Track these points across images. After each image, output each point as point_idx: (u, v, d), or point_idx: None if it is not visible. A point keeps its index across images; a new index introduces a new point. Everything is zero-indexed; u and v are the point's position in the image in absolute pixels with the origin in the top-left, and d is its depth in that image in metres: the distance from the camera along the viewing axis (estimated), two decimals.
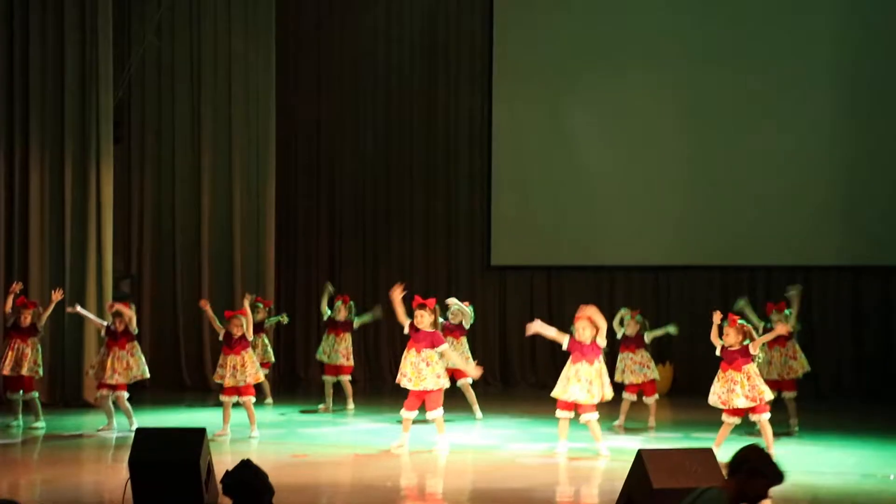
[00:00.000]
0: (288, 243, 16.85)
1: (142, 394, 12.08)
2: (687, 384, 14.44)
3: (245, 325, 10.95)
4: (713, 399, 9.63)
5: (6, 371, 11.45)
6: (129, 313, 11.44)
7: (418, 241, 16.61)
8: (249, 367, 10.94)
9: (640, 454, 6.72)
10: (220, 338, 11.05)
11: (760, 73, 15.04)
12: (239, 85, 15.60)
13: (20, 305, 11.61)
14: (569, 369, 9.76)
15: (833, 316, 14.93)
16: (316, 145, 17.02)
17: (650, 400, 11.64)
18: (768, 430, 9.54)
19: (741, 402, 9.46)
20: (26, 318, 11.53)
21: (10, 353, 11.46)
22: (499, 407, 13.27)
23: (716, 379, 9.68)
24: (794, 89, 14.92)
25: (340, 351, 12.83)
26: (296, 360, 16.49)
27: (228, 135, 15.58)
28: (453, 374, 11.57)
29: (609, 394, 9.77)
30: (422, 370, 10.00)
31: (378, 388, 15.03)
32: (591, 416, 9.76)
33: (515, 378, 16.05)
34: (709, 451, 7.01)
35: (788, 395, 11.27)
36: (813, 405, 12.63)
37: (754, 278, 15.22)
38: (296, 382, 16.14)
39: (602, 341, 9.75)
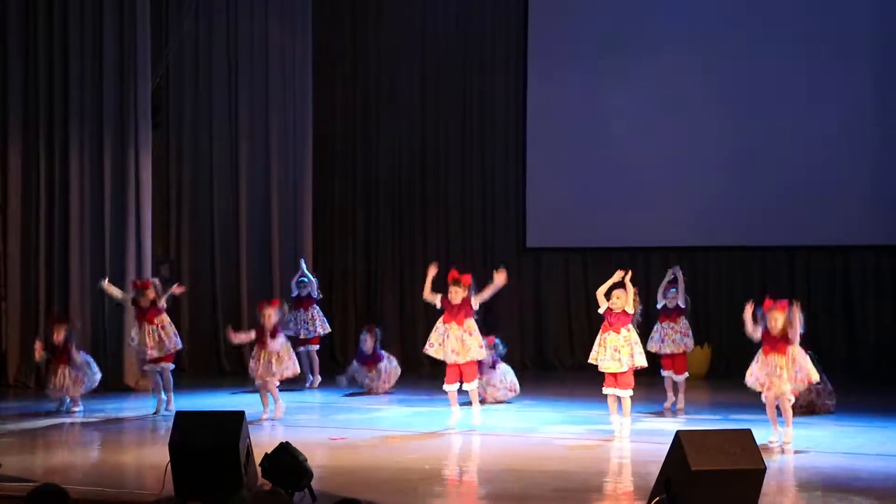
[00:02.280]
0: (324, 228, 16.87)
1: (181, 378, 12.14)
2: (725, 366, 14.39)
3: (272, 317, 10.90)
4: (751, 381, 9.53)
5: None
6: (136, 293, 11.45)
7: (455, 223, 16.60)
8: (286, 358, 10.94)
9: (679, 436, 6.61)
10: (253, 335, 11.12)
11: (798, 52, 14.91)
12: (276, 69, 15.62)
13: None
14: (599, 337, 9.84)
15: (873, 296, 14.80)
16: (352, 129, 17.04)
17: (680, 378, 11.51)
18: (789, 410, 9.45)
19: (787, 388, 9.34)
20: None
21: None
22: (535, 389, 13.25)
23: (755, 361, 9.57)
24: (832, 67, 14.79)
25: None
26: (334, 345, 16.53)
27: (265, 120, 15.62)
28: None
29: (641, 361, 9.72)
30: (465, 341, 10.12)
31: (415, 371, 15.04)
32: (625, 394, 9.71)
33: (552, 360, 16.03)
34: (747, 433, 6.83)
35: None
36: (853, 386, 12.54)
37: (792, 258, 15.11)
38: (335, 367, 16.17)
39: (631, 309, 9.72)
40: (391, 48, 16.85)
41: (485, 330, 11.06)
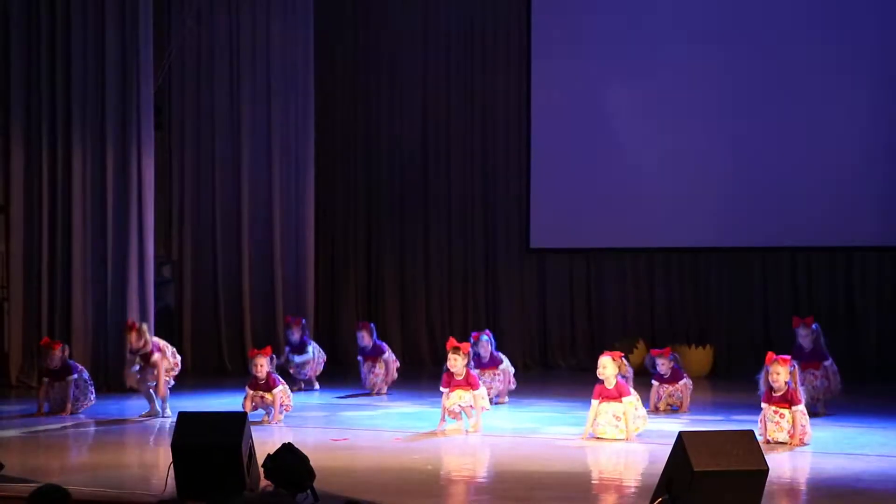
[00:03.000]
0: (326, 228, 16.87)
1: (183, 379, 12.14)
2: (726, 367, 14.42)
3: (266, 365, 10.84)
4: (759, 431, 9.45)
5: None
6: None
7: (457, 224, 16.58)
8: (285, 399, 10.93)
9: (681, 436, 6.61)
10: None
11: (805, 50, 14.84)
12: (277, 68, 15.61)
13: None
14: (597, 410, 9.72)
15: (874, 298, 14.80)
16: (354, 129, 17.02)
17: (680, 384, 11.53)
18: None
19: (783, 437, 9.39)
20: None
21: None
22: (538, 390, 13.23)
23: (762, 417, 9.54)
24: (839, 66, 14.69)
25: None
26: (337, 347, 16.53)
27: (267, 119, 15.61)
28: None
29: (643, 425, 9.80)
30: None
31: (417, 371, 15.04)
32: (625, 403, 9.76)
33: (555, 361, 16.02)
34: (749, 433, 6.86)
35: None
36: (855, 387, 12.53)
37: (795, 260, 15.12)
38: (338, 370, 16.13)
39: (627, 371, 9.80)
40: (393, 47, 16.84)
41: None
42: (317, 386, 13.55)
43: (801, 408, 9.26)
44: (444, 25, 16.65)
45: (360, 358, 13.18)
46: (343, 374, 14.48)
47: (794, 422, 9.24)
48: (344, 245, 17.04)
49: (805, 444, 9.20)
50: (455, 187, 16.55)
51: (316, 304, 15.62)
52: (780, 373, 9.26)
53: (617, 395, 9.62)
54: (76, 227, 13.42)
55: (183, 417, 7.48)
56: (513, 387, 12.28)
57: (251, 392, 10.86)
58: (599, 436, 9.62)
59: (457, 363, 10.09)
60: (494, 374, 12.09)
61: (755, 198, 14.94)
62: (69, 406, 11.27)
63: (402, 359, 13.82)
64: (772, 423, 9.30)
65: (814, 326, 11.08)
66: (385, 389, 12.94)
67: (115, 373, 13.27)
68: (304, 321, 13.68)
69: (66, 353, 11.59)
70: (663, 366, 11.22)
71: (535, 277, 16.18)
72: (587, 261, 15.97)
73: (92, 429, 10.65)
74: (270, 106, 15.57)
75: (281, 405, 10.75)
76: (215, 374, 14.81)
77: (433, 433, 10.10)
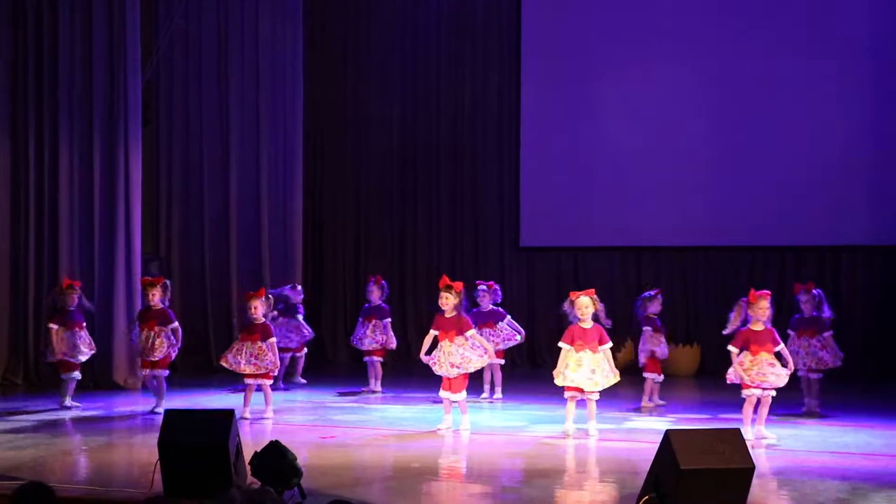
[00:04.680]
0: (314, 224, 16.84)
1: (171, 376, 12.10)
2: (713, 365, 14.40)
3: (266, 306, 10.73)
4: (733, 376, 9.54)
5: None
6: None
7: (446, 222, 16.57)
8: (270, 355, 10.76)
9: (668, 435, 6.61)
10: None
11: (792, 49, 14.88)
12: (266, 64, 15.57)
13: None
14: (570, 358, 9.59)
15: (861, 297, 14.82)
16: (342, 125, 16.99)
17: (650, 376, 11.51)
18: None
19: (783, 381, 9.38)
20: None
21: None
22: (526, 388, 13.18)
23: (737, 361, 9.56)
24: (826, 64, 14.72)
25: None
26: (324, 341, 16.51)
27: (255, 115, 15.57)
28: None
29: (614, 379, 9.66)
30: (464, 354, 9.91)
31: (406, 368, 15.03)
32: (594, 397, 9.71)
33: (543, 358, 16.01)
34: (736, 432, 6.84)
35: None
36: (840, 387, 12.56)
37: (783, 259, 15.13)
38: (324, 364, 16.16)
39: (600, 308, 9.63)
40: (383, 45, 16.81)
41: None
42: (302, 381, 13.48)
43: (783, 346, 9.36)
44: (434, 23, 16.61)
45: (360, 318, 12.90)
46: (332, 371, 14.43)
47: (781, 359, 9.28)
48: (332, 243, 17.00)
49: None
50: (444, 186, 16.54)
51: (303, 301, 15.56)
52: (764, 307, 9.31)
53: (596, 339, 9.50)
54: (63, 224, 13.36)
55: (169, 415, 7.44)
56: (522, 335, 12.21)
57: (240, 342, 10.67)
58: (577, 385, 9.53)
59: (448, 302, 9.88)
60: (493, 331, 11.96)
61: (743, 197, 14.95)
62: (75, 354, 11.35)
63: (391, 356, 13.77)
64: (770, 373, 9.23)
65: (815, 292, 11.02)
66: (378, 386, 12.87)
67: (103, 370, 13.21)
68: (384, 282, 13.22)
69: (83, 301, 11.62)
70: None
71: (524, 276, 16.17)
72: (575, 259, 15.98)
73: (78, 425, 10.56)
74: (259, 101, 15.53)
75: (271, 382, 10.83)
76: (203, 371, 14.74)
77: (426, 432, 10.06)
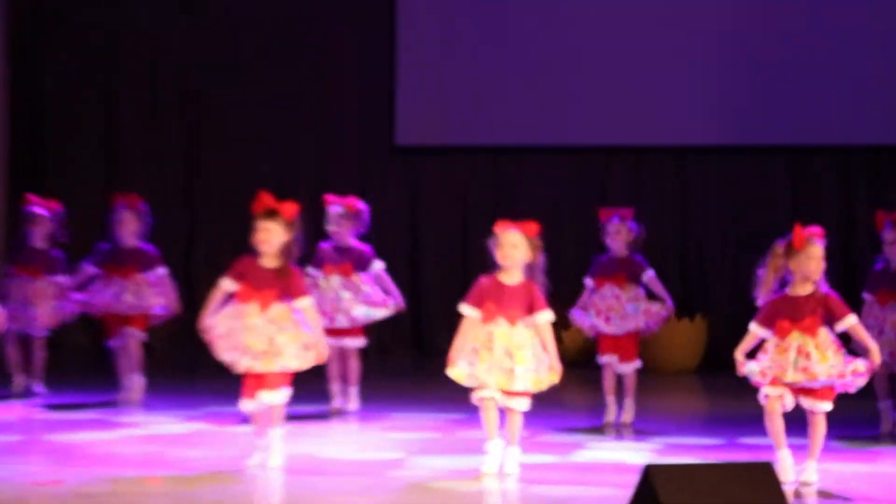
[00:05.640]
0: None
1: None
2: (729, 352, 10.97)
3: None
4: (749, 369, 6.20)
5: None
6: None
7: (300, 116, 12.36)
8: None
9: (649, 473, 4.92)
10: None
11: None
12: None
13: None
14: (476, 333, 6.31)
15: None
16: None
17: (628, 368, 8.03)
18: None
19: (821, 379, 6.26)
20: None
21: None
22: (406, 388, 9.94)
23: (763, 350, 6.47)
24: None
25: None
26: None
27: None
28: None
29: (551, 376, 6.33)
30: (273, 338, 6.35)
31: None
32: (519, 405, 6.35)
33: (434, 333, 11.55)
34: (765, 468, 5.02)
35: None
36: None
37: (847, 166, 11.55)
38: None
39: (542, 277, 6.42)
40: None
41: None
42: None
43: (853, 320, 6.16)
44: None
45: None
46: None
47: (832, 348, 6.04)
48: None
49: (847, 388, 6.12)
50: (291, 70, 12.40)
51: None
52: (816, 256, 6.11)
53: (522, 304, 6.33)
54: None
55: None
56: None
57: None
58: (478, 388, 6.26)
59: (269, 237, 6.31)
60: (348, 284, 8.36)
61: (774, 62, 11.53)
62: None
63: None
64: (794, 368, 6.04)
65: None
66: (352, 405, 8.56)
67: None
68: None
69: None
70: None
71: (402, 185, 12.22)
72: (494, 163, 12.05)
73: None
74: None
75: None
76: None
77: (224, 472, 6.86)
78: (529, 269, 6.35)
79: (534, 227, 6.39)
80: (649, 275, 7.98)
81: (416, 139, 12.28)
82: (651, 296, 8.06)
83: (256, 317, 6.28)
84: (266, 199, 6.41)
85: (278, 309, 6.31)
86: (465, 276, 9.99)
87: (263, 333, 6.26)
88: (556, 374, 6.31)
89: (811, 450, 6.10)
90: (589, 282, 8.01)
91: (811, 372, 5.98)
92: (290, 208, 6.40)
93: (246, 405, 6.38)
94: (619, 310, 7.92)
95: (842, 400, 6.26)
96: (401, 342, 11.89)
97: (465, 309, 6.31)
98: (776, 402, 6.06)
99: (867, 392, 6.63)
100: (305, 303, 6.42)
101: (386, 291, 8.40)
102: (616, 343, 7.96)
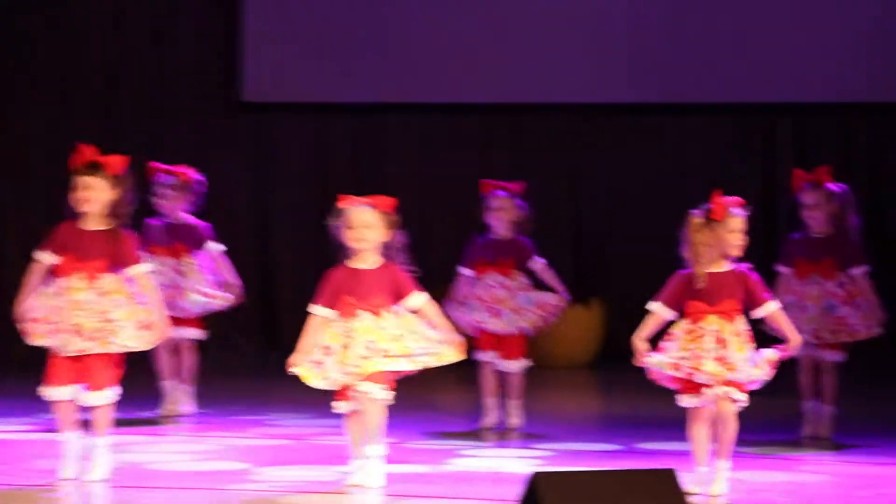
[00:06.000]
0: None
1: None
2: (628, 340, 10.00)
3: None
4: (657, 360, 5.61)
5: None
6: None
7: (125, 65, 11.12)
8: None
9: (535, 481, 4.53)
10: None
11: None
12: None
13: None
14: (332, 332, 5.50)
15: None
16: None
17: (513, 367, 7.24)
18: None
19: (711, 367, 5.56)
20: None
21: None
22: (253, 387, 9.11)
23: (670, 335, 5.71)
24: None
25: None
26: None
27: None
28: None
29: (458, 352, 5.55)
30: (108, 314, 5.52)
31: None
32: (378, 393, 5.45)
33: (287, 323, 10.45)
34: (668, 475, 4.55)
35: None
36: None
37: (772, 129, 10.63)
38: None
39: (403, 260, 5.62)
40: None
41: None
42: None
43: (774, 307, 5.46)
44: None
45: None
46: None
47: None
48: None
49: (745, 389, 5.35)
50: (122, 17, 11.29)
51: None
52: (736, 227, 5.36)
53: (385, 290, 5.51)
54: None
55: None
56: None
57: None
58: (338, 396, 5.50)
59: (92, 196, 5.45)
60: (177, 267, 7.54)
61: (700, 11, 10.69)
62: None
63: None
64: (696, 343, 5.33)
65: (834, 188, 6.93)
66: None
67: None
68: None
69: None
70: None
71: (249, 146, 11.11)
72: (365, 126, 10.96)
73: None
74: None
75: None
76: None
77: None
78: (387, 250, 5.55)
79: (388, 201, 5.58)
80: (540, 263, 7.12)
81: (266, 96, 11.05)
82: (539, 285, 7.19)
83: (84, 291, 5.47)
84: (87, 152, 5.57)
85: (109, 280, 5.54)
86: (324, 256, 9.05)
87: (95, 309, 5.48)
88: (458, 348, 5.50)
89: (721, 451, 5.34)
90: (465, 270, 7.08)
91: (729, 363, 5.24)
92: (117, 161, 5.57)
93: (55, 392, 5.47)
94: (509, 302, 7.05)
95: (757, 397, 5.53)
96: (247, 334, 10.91)
97: (317, 310, 5.46)
98: (701, 408, 5.33)
99: (787, 389, 5.96)
100: (140, 270, 5.62)
101: (225, 277, 7.52)
102: (499, 338, 7.13)
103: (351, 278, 5.45)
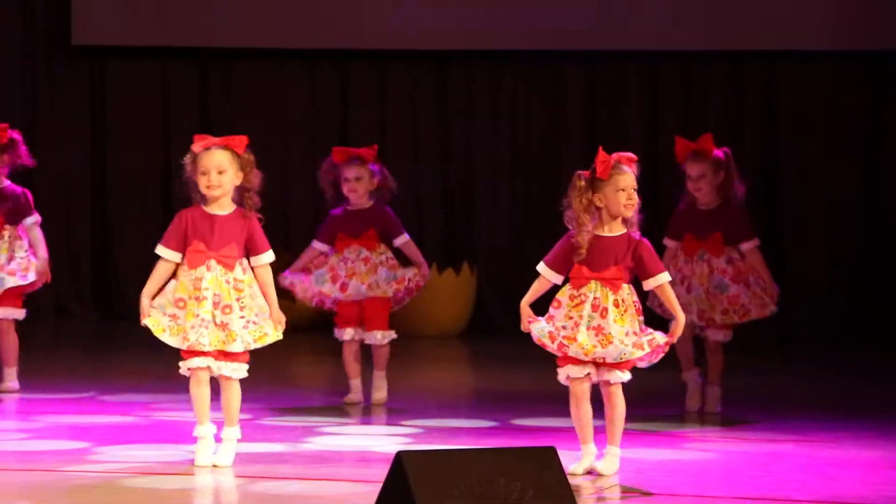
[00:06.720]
0: None
1: None
2: (502, 308, 9.25)
3: None
4: (540, 329, 5.17)
5: None
6: None
7: None
8: None
9: (401, 461, 4.37)
10: None
11: None
12: None
13: None
14: (182, 281, 5.17)
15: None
16: None
17: (379, 339, 6.83)
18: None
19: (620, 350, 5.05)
20: None
21: None
22: (90, 360, 8.80)
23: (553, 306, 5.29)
24: None
25: None
26: None
27: None
28: None
29: (279, 332, 5.25)
30: None
31: None
32: (236, 373, 5.16)
33: (125, 289, 9.93)
34: (548, 453, 4.43)
35: None
36: (770, 358, 8.98)
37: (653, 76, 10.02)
38: None
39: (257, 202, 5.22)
40: None
41: None
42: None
43: (665, 278, 5.15)
44: None
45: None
46: None
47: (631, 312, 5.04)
48: None
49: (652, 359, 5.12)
50: None
51: None
52: (624, 184, 5.00)
53: (240, 241, 5.17)
54: None
55: None
56: None
57: None
58: (187, 352, 5.10)
59: None
60: None
61: None
62: None
63: None
64: (576, 310, 5.03)
65: (719, 155, 6.64)
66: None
67: None
68: None
69: None
70: None
71: (81, 98, 10.37)
72: (170, 68, 10.32)
73: None
74: None
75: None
76: None
77: None
78: (240, 193, 5.18)
79: (242, 140, 5.22)
80: (404, 238, 6.73)
81: (100, 38, 9.98)
82: (403, 258, 6.78)
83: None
84: None
85: None
86: (166, 212, 8.57)
87: None
88: (280, 327, 5.20)
89: (610, 434, 5.08)
90: (319, 245, 6.64)
91: (606, 334, 4.93)
92: None
93: None
94: (365, 276, 6.65)
95: (638, 369, 5.26)
96: (81, 302, 10.21)
97: (162, 251, 5.15)
98: (582, 383, 5.03)
99: (666, 359, 5.64)
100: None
101: (35, 251, 6.93)
102: (361, 309, 6.73)
103: (203, 223, 5.13)
